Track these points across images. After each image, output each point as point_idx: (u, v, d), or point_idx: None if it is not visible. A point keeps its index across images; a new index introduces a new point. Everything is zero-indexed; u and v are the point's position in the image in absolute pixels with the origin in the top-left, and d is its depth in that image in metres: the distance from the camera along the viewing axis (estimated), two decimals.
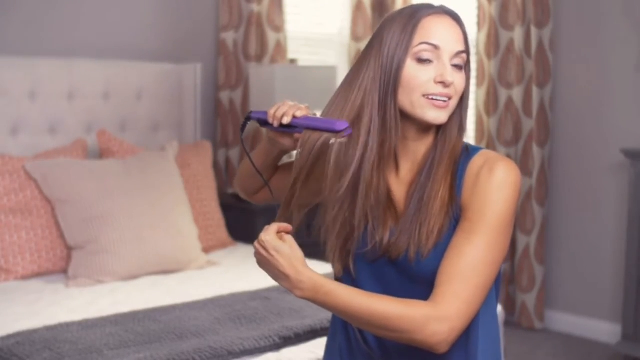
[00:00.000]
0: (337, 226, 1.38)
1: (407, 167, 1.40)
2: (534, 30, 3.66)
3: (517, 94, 3.76)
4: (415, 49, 1.32)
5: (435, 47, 1.32)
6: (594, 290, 3.71)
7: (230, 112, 3.83)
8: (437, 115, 1.32)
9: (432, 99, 1.31)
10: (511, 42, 3.74)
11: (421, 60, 1.32)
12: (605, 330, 3.65)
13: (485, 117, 3.86)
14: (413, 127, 1.37)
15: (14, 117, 3.09)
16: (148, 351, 2.03)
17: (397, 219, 1.38)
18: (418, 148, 1.39)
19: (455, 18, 1.37)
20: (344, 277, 1.42)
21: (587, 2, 3.67)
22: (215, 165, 3.80)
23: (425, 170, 1.37)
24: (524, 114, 3.75)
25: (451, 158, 1.36)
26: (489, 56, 3.81)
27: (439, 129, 1.39)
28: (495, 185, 1.31)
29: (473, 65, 3.92)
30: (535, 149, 3.71)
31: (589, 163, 3.71)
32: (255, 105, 3.73)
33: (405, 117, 1.35)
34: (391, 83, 1.33)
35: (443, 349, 1.26)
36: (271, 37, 3.86)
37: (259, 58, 3.87)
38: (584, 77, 3.71)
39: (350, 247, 1.38)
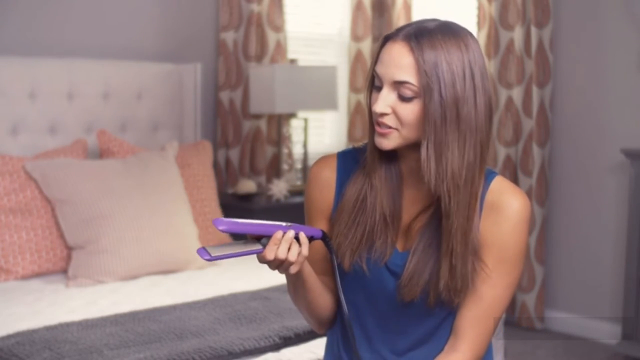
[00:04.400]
0: (350, 234, 1.39)
1: (414, 185, 1.40)
2: (534, 30, 3.66)
3: (517, 94, 3.75)
4: (372, 75, 1.35)
5: (377, 74, 1.32)
6: (594, 290, 3.71)
7: (230, 112, 3.84)
8: (379, 142, 1.33)
9: (377, 124, 1.32)
10: (511, 42, 3.74)
11: (374, 87, 1.34)
12: (605, 330, 3.65)
13: None
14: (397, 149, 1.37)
15: (14, 117, 3.08)
16: (148, 351, 2.03)
17: (396, 236, 1.40)
18: (415, 168, 1.37)
19: (411, 44, 1.27)
20: (352, 274, 1.41)
21: (587, 2, 3.67)
22: (215, 165, 3.80)
23: (439, 204, 1.35)
24: (524, 114, 3.75)
25: (466, 204, 1.31)
26: (489, 56, 3.81)
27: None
28: (515, 222, 1.34)
29: None
30: (535, 149, 3.71)
31: (589, 163, 3.71)
32: (255, 105, 3.73)
33: None
34: (368, 106, 1.36)
35: None
36: (271, 37, 3.86)
37: (259, 58, 3.87)
38: (584, 77, 3.71)
39: (362, 252, 1.39)
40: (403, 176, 1.40)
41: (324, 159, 1.49)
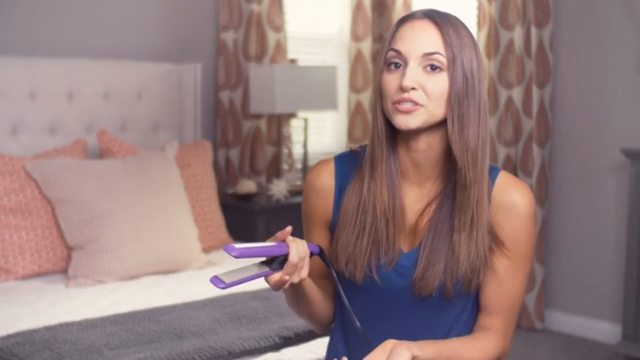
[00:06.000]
0: (358, 241, 1.38)
1: (417, 182, 1.40)
2: (534, 30, 3.66)
3: (517, 94, 3.75)
4: (386, 57, 1.34)
5: (399, 52, 1.32)
6: (594, 290, 3.71)
7: (230, 112, 3.84)
8: (403, 120, 1.31)
9: (399, 103, 1.31)
10: (511, 42, 3.74)
11: (389, 68, 1.33)
12: (605, 330, 3.65)
13: None
14: (406, 136, 1.37)
15: (14, 117, 3.09)
16: (148, 351, 2.03)
17: (406, 237, 1.40)
18: (424, 158, 1.38)
19: (434, 20, 1.33)
20: (362, 285, 1.41)
21: (587, 2, 3.67)
22: (215, 165, 3.80)
23: (450, 190, 1.37)
24: (524, 114, 3.75)
25: (483, 177, 1.36)
26: (489, 56, 3.81)
27: (447, 145, 1.36)
28: (525, 217, 1.38)
29: None
30: (535, 149, 3.71)
31: (589, 163, 3.71)
32: (255, 105, 3.73)
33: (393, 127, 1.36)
34: (376, 93, 1.36)
35: None
36: (271, 37, 3.86)
37: (259, 58, 3.87)
38: (584, 77, 3.71)
39: (372, 259, 1.39)
40: (407, 174, 1.40)
41: (321, 164, 1.48)
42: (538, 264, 3.77)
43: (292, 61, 3.87)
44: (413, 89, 1.30)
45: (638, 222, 3.27)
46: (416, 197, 1.40)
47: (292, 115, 3.88)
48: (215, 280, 1.25)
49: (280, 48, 3.89)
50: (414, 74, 1.30)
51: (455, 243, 1.34)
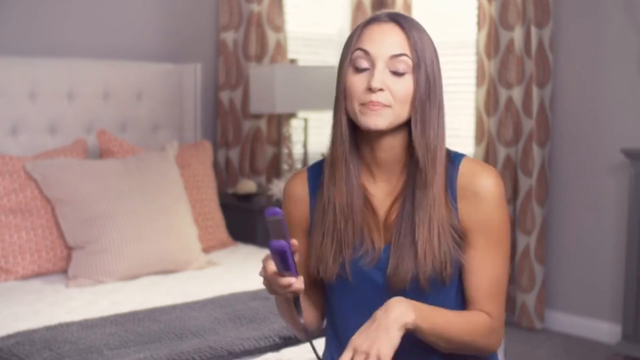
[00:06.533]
0: (323, 241, 1.41)
1: (384, 178, 1.43)
2: (534, 30, 3.66)
3: (517, 94, 3.75)
4: (352, 57, 1.36)
5: (366, 52, 1.34)
6: (594, 290, 3.71)
7: (230, 112, 3.84)
8: (373, 121, 1.34)
9: (368, 104, 1.34)
10: (511, 42, 3.74)
11: (356, 68, 1.35)
12: (605, 330, 3.65)
13: (485, 117, 3.86)
14: (370, 136, 1.39)
15: (14, 117, 3.09)
16: (148, 351, 2.03)
17: (381, 232, 1.41)
18: (387, 157, 1.40)
19: (400, 23, 1.36)
20: (337, 283, 1.43)
21: (587, 2, 3.67)
22: (215, 165, 3.80)
23: (411, 187, 1.39)
24: (524, 114, 3.75)
25: (440, 175, 1.37)
26: (488, 56, 3.81)
27: (409, 137, 1.38)
28: (493, 201, 1.38)
29: (473, 65, 3.92)
30: (535, 149, 3.71)
31: (589, 163, 3.71)
32: (255, 105, 3.73)
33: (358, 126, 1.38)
34: (339, 93, 1.38)
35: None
36: (271, 37, 3.87)
37: (259, 58, 3.87)
38: (584, 77, 3.71)
39: (345, 255, 1.41)
40: (373, 171, 1.42)
41: (295, 175, 1.52)
42: (538, 264, 3.77)
43: (292, 61, 3.87)
44: (380, 90, 1.32)
45: (638, 222, 3.27)
46: (384, 193, 1.43)
47: (292, 115, 3.88)
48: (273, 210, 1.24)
49: (280, 48, 3.90)
50: (381, 75, 1.33)
51: (418, 239, 1.36)
